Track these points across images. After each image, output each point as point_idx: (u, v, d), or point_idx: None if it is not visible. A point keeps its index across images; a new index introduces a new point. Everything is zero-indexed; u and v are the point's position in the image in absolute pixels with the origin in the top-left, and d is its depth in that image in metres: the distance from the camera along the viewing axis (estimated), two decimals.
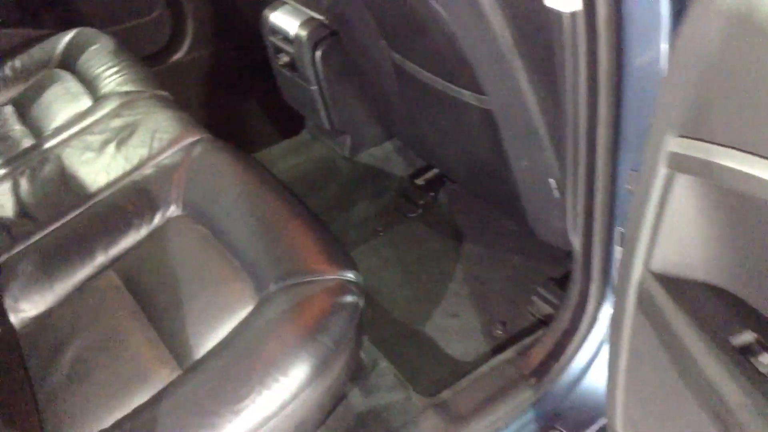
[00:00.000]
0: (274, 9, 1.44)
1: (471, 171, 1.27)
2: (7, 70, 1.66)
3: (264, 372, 0.84)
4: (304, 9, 1.39)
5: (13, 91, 1.65)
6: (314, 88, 1.42)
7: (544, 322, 1.26)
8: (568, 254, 1.03)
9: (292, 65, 1.43)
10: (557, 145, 0.94)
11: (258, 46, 1.99)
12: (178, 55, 2.08)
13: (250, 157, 1.24)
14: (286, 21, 1.40)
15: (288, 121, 1.77)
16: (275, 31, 1.43)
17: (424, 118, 1.29)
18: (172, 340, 0.96)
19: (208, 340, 0.94)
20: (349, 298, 0.91)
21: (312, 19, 1.37)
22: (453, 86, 1.08)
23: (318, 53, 1.37)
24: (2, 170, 1.36)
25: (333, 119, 1.48)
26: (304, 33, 1.36)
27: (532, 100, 0.90)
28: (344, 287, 0.92)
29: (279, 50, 1.45)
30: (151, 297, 1.04)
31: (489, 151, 1.13)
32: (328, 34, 1.37)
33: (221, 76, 2.09)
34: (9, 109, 1.61)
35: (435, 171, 1.63)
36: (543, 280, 1.32)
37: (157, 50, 2.04)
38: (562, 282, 1.25)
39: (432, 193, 1.61)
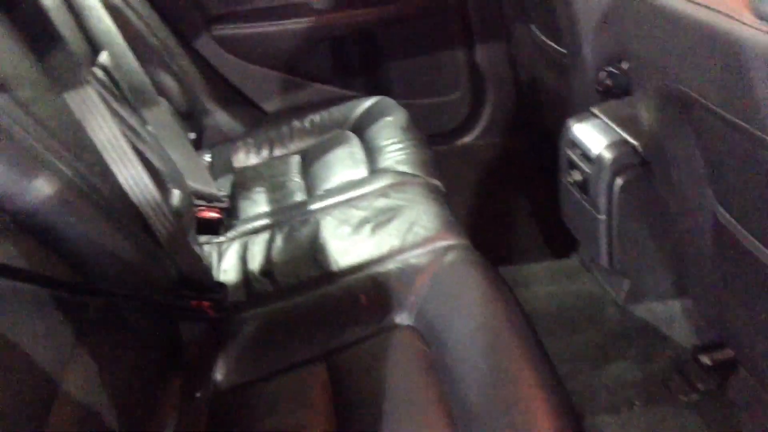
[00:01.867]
0: (581, 120, 1.25)
1: None
2: (306, 123, 1.73)
3: None
4: (616, 128, 1.18)
5: (305, 143, 1.71)
6: (602, 218, 1.19)
7: None
8: None
9: (583, 186, 1.23)
10: None
11: (548, 149, 1.83)
12: (465, 139, 2.02)
13: (502, 282, 1.06)
14: (591, 137, 1.21)
15: (559, 240, 1.56)
16: (575, 144, 1.25)
17: (740, 294, 0.98)
18: None
19: None
20: None
21: (623, 142, 1.15)
22: None
23: (619, 181, 1.15)
24: (269, 219, 1.38)
25: (614, 257, 1.23)
26: (608, 156, 1.15)
27: None
28: None
29: (573, 165, 1.26)
30: (351, 404, 0.94)
31: None
32: (636, 163, 1.14)
33: (501, 170, 1.97)
34: (296, 159, 1.66)
35: (729, 352, 1.27)
36: None
37: (447, 130, 2.01)
38: None
39: (718, 380, 1.25)
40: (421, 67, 1.92)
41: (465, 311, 0.99)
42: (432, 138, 1.66)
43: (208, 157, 1.69)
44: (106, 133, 1.03)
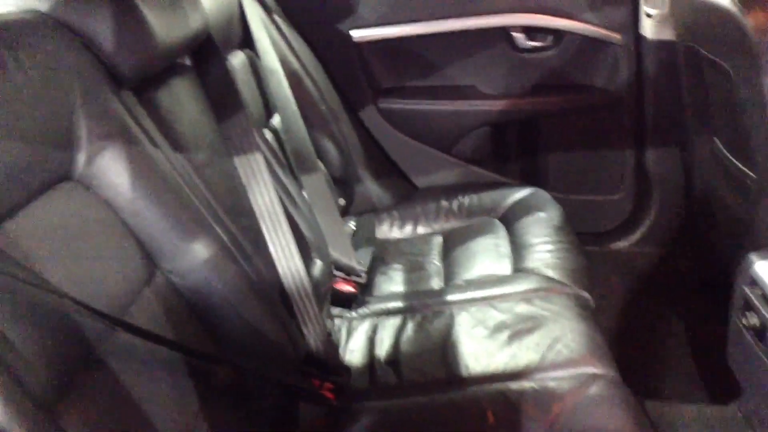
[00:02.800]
0: (766, 258, 1.10)
1: None
2: (455, 204, 1.70)
3: None
4: None
5: (450, 225, 1.68)
6: None
7: None
8: None
9: (761, 333, 1.07)
10: None
11: (718, 275, 1.65)
12: (620, 244, 1.89)
13: (651, 425, 0.94)
14: None
15: (717, 382, 1.38)
16: (755, 282, 1.10)
17: None
18: None
19: None
20: None
21: None
22: None
23: None
24: (403, 302, 1.34)
25: None
26: None
27: None
28: None
29: (750, 307, 1.10)
30: None
31: None
32: None
33: (658, 285, 1.80)
34: (438, 240, 1.63)
35: None
36: None
37: (602, 231, 1.88)
38: None
39: None
40: (583, 161, 1.83)
41: None
42: (582, 236, 1.56)
43: (352, 225, 1.70)
44: (265, 199, 1.05)
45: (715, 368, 1.52)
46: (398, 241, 1.66)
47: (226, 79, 1.11)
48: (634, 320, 1.64)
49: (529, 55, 1.72)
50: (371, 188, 1.77)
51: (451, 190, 1.74)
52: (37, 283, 0.61)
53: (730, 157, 1.37)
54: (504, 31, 1.69)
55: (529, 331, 1.14)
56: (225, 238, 0.92)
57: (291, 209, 1.19)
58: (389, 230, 1.70)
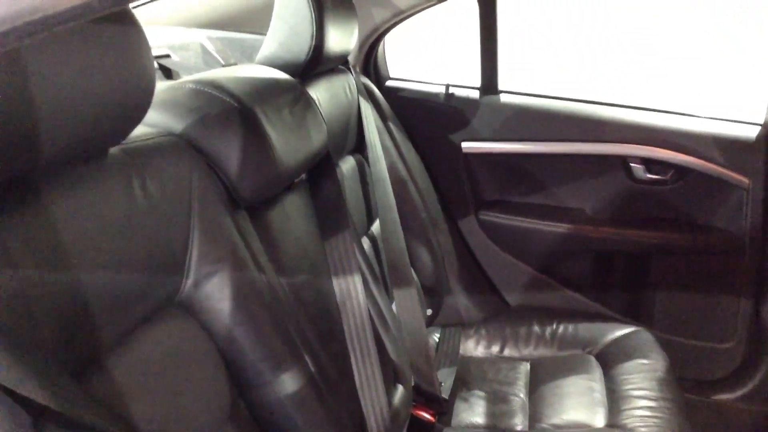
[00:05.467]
0: None
1: None
2: (548, 331, 1.61)
3: None
4: None
5: (538, 352, 1.58)
6: None
7: None
8: None
9: None
10: None
11: None
12: (725, 396, 1.72)
13: None
14: None
15: None
16: None
17: None
18: None
19: None
20: None
21: None
22: None
23: None
24: None
25: None
26: None
27: None
28: None
29: None
30: None
31: None
32: None
33: None
34: (525, 367, 1.54)
35: None
36: None
37: (706, 380, 1.73)
38: None
39: None
40: (694, 303, 1.70)
41: None
42: (684, 382, 1.42)
43: (436, 336, 1.63)
44: (357, 321, 1.01)
45: None
46: (483, 361, 1.58)
47: (338, 193, 1.10)
48: None
49: (647, 187, 1.64)
50: (461, 301, 1.71)
51: (545, 315, 1.65)
52: None
53: None
54: (621, 160, 1.63)
55: None
56: (313, 369, 0.89)
57: (380, 329, 1.15)
58: (474, 348, 1.62)
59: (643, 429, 1.23)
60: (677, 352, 1.51)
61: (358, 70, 1.65)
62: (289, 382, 0.84)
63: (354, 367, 1.00)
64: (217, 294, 0.78)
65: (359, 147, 1.43)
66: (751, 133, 1.54)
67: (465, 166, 1.70)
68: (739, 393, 1.71)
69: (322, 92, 1.28)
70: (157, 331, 0.70)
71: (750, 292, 1.64)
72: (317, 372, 0.89)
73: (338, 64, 1.44)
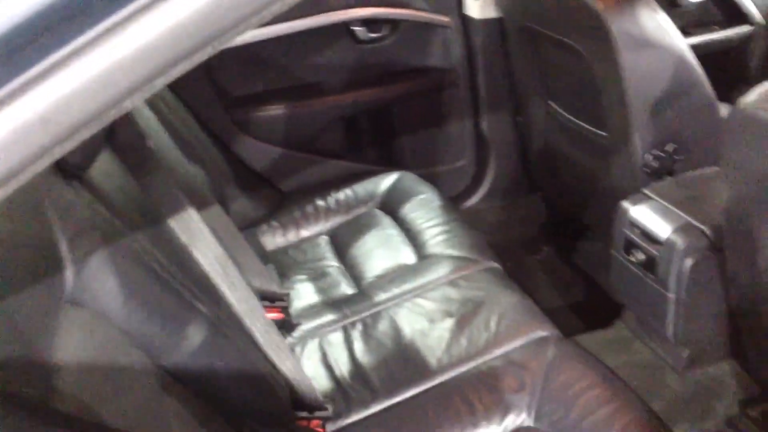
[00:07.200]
0: (637, 203, 1.33)
1: None
2: (331, 201, 1.72)
3: None
4: (677, 211, 1.27)
5: (331, 223, 1.70)
6: (672, 296, 1.26)
7: None
8: None
9: (648, 266, 1.29)
10: None
11: (562, 218, 1.93)
12: (468, 203, 2.08)
13: (608, 370, 1.10)
14: (653, 219, 1.28)
15: (597, 308, 1.63)
16: (634, 225, 1.32)
17: None
18: None
19: None
20: None
21: (690, 225, 1.24)
22: None
23: (688, 262, 1.23)
24: (330, 315, 1.35)
25: (678, 330, 1.31)
26: (680, 240, 1.22)
27: None
28: None
29: (633, 245, 1.33)
30: None
31: None
32: (704, 245, 1.22)
33: (511, 231, 2.04)
34: (324, 240, 1.65)
35: None
36: None
37: (452, 195, 2.05)
38: None
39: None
40: (432, 137, 1.96)
41: (585, 407, 1.02)
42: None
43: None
44: (210, 256, 0.99)
45: (591, 298, 1.80)
46: (287, 248, 1.64)
47: (139, 140, 1.00)
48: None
49: (370, 46, 1.78)
50: (245, 203, 1.72)
51: (321, 189, 1.75)
52: None
53: (575, 120, 1.58)
54: (345, 27, 1.72)
55: (474, 313, 1.24)
56: (206, 312, 0.86)
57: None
58: (273, 240, 1.67)
59: (449, 249, 1.45)
60: (429, 181, 1.75)
61: None
62: (195, 335, 0.81)
63: (229, 298, 0.98)
64: (100, 274, 0.70)
65: None
66: None
67: (204, 68, 1.62)
68: (475, 199, 2.08)
69: None
70: (60, 339, 0.62)
71: (469, 115, 1.95)
72: (210, 312, 0.87)
73: None
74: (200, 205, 1.25)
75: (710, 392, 1.42)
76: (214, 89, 1.67)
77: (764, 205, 0.98)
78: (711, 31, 1.78)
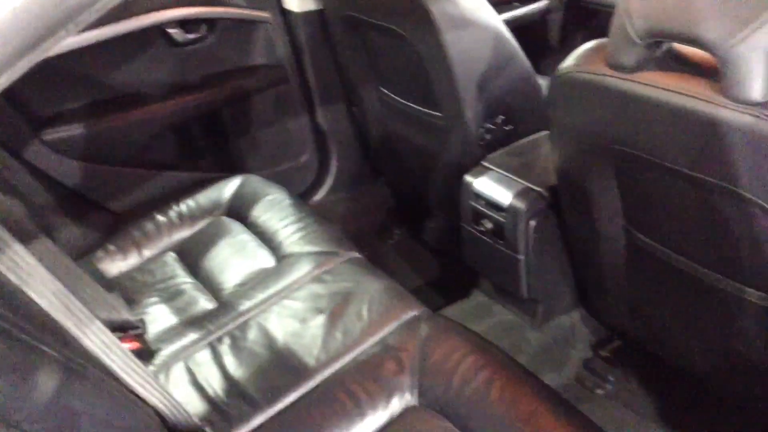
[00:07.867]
0: (478, 175, 1.40)
1: (721, 367, 1.16)
2: (173, 215, 1.62)
3: None
4: (516, 178, 1.35)
5: (176, 238, 1.60)
6: (521, 257, 1.35)
7: None
8: None
9: (497, 233, 1.37)
10: None
11: (408, 200, 1.98)
12: (316, 198, 2.06)
13: (479, 337, 1.15)
14: (495, 189, 1.36)
15: (454, 281, 1.70)
16: (479, 196, 1.38)
17: (656, 301, 1.20)
18: None
19: None
20: None
21: (528, 189, 1.32)
22: (731, 281, 1.00)
23: (532, 223, 1.31)
24: (192, 334, 1.27)
25: (531, 288, 1.40)
26: (521, 204, 1.31)
27: None
28: None
29: (480, 215, 1.39)
30: None
31: (763, 351, 1.03)
32: (543, 206, 1.32)
33: (361, 220, 2.06)
34: (171, 257, 1.55)
35: (619, 342, 1.53)
36: None
37: (300, 191, 2.02)
38: None
39: (620, 368, 1.49)
40: (271, 136, 1.91)
41: (464, 374, 1.05)
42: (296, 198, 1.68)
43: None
44: (47, 294, 0.88)
45: (447, 273, 1.87)
46: (130, 272, 1.52)
47: None
48: None
49: (189, 48, 1.69)
50: (74, 231, 1.56)
51: (160, 204, 1.64)
52: None
53: (408, 103, 1.63)
54: (160, 30, 1.62)
55: (344, 305, 1.23)
56: (56, 354, 0.76)
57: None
58: (114, 265, 1.53)
59: (308, 246, 1.43)
60: (277, 181, 1.71)
61: None
62: (46, 381, 0.71)
63: (80, 336, 0.88)
64: None
65: None
66: None
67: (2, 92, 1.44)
68: (323, 192, 2.07)
69: None
70: None
71: (304, 110, 1.93)
72: (65, 359, 0.77)
73: None
74: (25, 240, 1.12)
75: (565, 341, 1.54)
76: (18, 111, 1.49)
77: (590, 158, 1.08)
78: (514, 8, 1.92)
